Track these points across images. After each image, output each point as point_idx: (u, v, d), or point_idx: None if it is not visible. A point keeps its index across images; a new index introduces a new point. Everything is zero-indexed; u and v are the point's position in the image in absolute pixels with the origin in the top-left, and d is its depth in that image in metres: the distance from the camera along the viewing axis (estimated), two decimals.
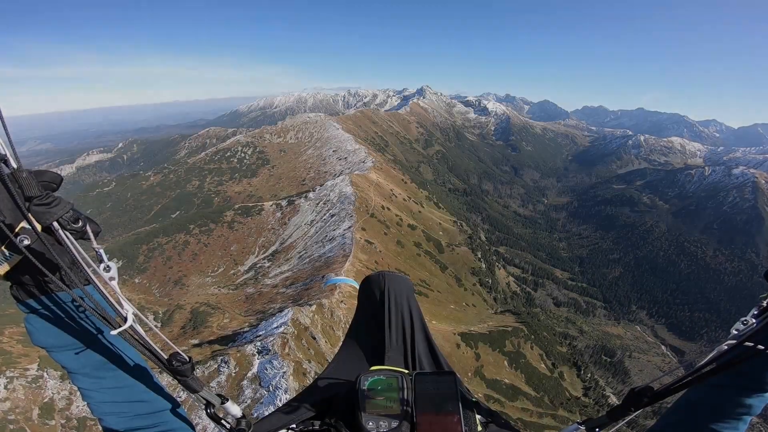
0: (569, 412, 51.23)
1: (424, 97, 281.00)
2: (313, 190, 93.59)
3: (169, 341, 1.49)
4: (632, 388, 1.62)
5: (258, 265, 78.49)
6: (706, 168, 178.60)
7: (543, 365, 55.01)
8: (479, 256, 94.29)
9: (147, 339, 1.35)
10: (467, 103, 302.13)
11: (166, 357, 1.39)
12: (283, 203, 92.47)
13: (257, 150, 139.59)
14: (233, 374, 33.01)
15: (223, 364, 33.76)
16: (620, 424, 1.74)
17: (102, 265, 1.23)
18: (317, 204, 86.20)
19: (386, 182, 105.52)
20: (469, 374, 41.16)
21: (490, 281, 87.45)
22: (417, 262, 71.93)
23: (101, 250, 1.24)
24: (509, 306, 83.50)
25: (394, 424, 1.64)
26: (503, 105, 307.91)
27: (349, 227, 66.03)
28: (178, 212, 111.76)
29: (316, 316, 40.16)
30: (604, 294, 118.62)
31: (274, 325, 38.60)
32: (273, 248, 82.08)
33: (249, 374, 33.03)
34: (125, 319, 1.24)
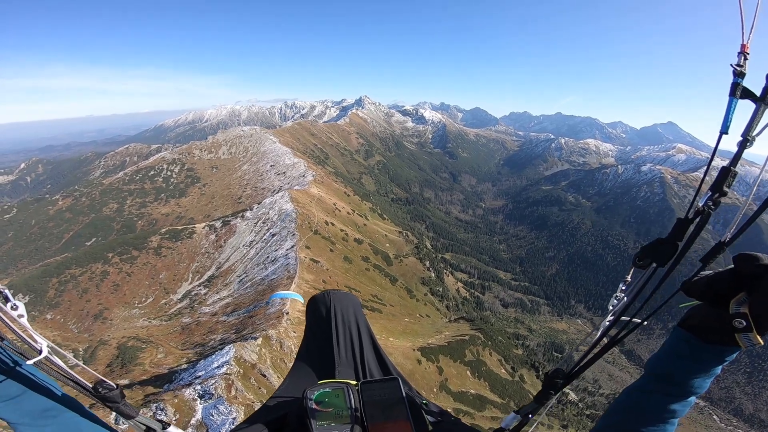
0: (537, 414, 51.29)
1: (363, 108, 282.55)
2: (251, 209, 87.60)
3: (91, 370, 1.56)
4: (546, 373, 1.86)
5: (193, 293, 71.22)
6: (619, 167, 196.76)
7: (503, 370, 54.98)
8: (427, 265, 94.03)
9: (67, 369, 1.39)
10: (405, 113, 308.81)
11: (91, 386, 1.44)
12: (218, 224, 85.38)
13: (186, 167, 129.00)
14: (173, 422, 28.03)
15: (159, 412, 28.78)
16: (547, 407, 1.96)
17: (9, 305, 1.27)
18: (256, 223, 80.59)
19: (328, 196, 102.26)
20: (435, 390, 39.71)
21: (440, 289, 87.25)
22: (366, 276, 69.51)
23: (6, 291, 1.29)
24: (461, 312, 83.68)
25: (346, 431, 1.72)
26: (439, 113, 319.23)
27: (293, 246, 61.97)
28: (93, 239, 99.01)
29: (263, 349, 35.91)
30: (545, 291, 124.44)
31: (215, 365, 33.83)
32: (209, 273, 75.07)
33: (193, 421, 28.41)
34: (40, 351, 1.31)
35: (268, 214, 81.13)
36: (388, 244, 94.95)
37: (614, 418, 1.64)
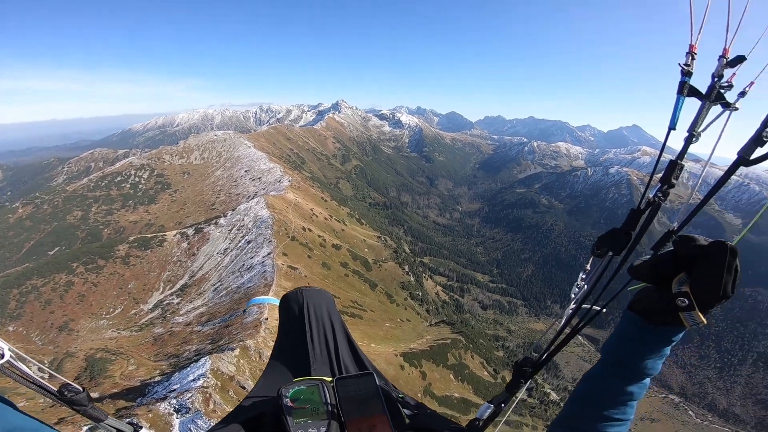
0: (519, 415, 51.78)
1: (339, 112, 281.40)
2: (225, 216, 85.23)
3: (56, 374, 1.54)
4: (515, 362, 1.95)
5: (165, 302, 68.49)
6: (588, 169, 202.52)
7: (486, 373, 55.25)
8: (406, 269, 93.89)
9: (31, 374, 1.35)
10: (382, 117, 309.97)
11: (56, 389, 1.40)
12: (190, 232, 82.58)
13: (155, 173, 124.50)
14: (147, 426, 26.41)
15: None
16: (519, 396, 2.06)
17: None
18: (230, 230, 78.39)
19: (305, 202, 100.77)
20: (419, 395, 39.34)
21: (420, 294, 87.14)
22: (346, 282, 68.66)
23: None
24: (442, 316, 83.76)
25: (323, 428, 1.71)
26: (415, 117, 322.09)
27: (269, 253, 60.45)
28: (56, 249, 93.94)
29: (241, 361, 34.61)
30: (522, 292, 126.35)
31: (191, 378, 32.32)
32: (181, 282, 72.39)
33: None
34: (2, 356, 1.27)
35: (243, 220, 79.11)
36: (366, 249, 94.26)
37: (576, 405, 1.70)
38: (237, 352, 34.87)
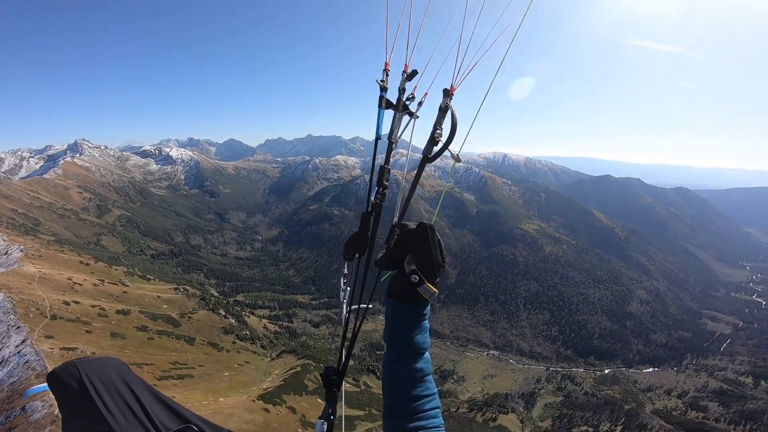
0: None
1: (81, 154, 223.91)
2: None
3: None
4: (320, 375, 2.08)
5: None
6: (365, 176, 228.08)
7: (348, 385, 53.00)
8: (222, 313, 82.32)
9: None
10: (145, 154, 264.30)
11: None
12: None
13: None
14: None
15: None
16: (339, 404, 2.14)
17: None
18: None
19: (57, 271, 75.56)
20: (299, 430, 34.41)
21: (247, 332, 77.75)
22: (153, 346, 54.43)
23: None
24: (279, 347, 77.48)
25: None
26: (189, 150, 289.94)
27: (24, 341, 42.43)
28: None
29: None
30: None
31: None
32: None
33: None
34: None
35: None
36: (165, 305, 77.83)
37: (388, 393, 1.83)
38: None
